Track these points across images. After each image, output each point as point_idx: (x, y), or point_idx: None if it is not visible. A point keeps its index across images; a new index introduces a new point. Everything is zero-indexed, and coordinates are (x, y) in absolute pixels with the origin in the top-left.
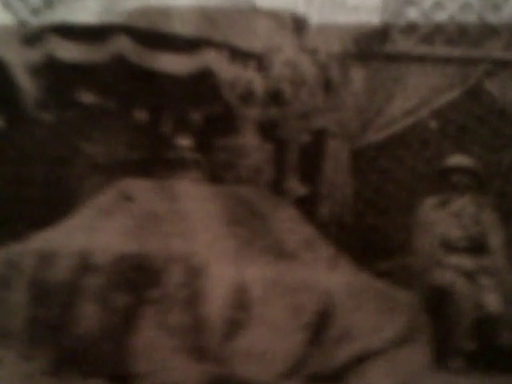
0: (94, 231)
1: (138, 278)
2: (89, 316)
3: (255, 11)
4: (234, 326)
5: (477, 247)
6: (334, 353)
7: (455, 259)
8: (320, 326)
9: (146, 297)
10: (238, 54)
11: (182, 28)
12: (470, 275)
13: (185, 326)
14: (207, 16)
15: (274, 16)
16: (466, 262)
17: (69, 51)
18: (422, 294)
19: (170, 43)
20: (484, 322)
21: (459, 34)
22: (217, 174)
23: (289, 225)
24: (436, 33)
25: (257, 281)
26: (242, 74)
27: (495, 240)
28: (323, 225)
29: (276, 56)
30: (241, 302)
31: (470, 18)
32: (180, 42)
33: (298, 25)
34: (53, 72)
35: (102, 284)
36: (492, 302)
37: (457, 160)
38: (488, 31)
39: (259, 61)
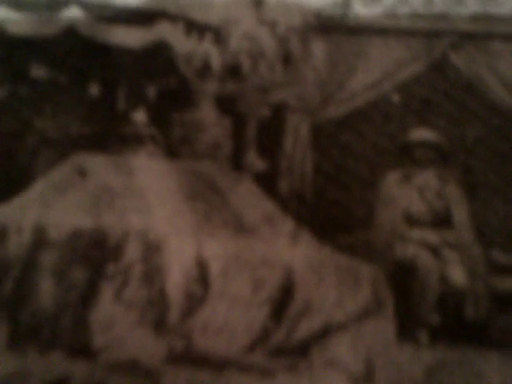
0: (48, 206)
1: (94, 253)
2: (46, 291)
3: None
4: (194, 300)
5: (441, 221)
6: (296, 327)
7: (419, 233)
8: (281, 300)
9: (104, 272)
10: (194, 27)
11: (138, 2)
12: (434, 249)
13: (143, 301)
14: None
15: None
16: (430, 236)
17: (19, 24)
18: (386, 268)
19: (124, 16)
20: (449, 296)
21: (424, 5)
22: (174, 148)
23: (248, 200)
24: (400, 4)
25: (216, 256)
26: (199, 47)
27: (459, 214)
28: (283, 200)
29: (234, 29)
30: (200, 277)
31: None
32: (134, 15)
33: None
34: (3, 46)
35: (58, 259)
36: (456, 275)
37: (420, 134)
38: (454, 2)
39: (216, 33)
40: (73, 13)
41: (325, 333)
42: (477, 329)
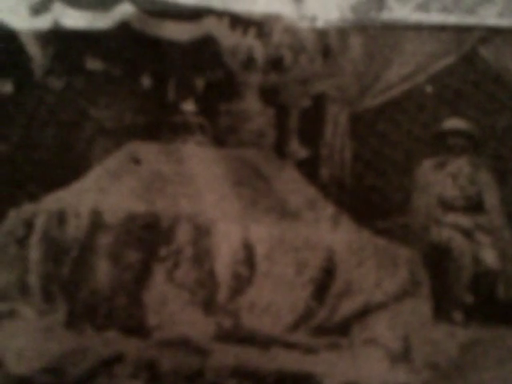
0: (104, 192)
1: (147, 236)
2: (102, 272)
3: None
4: (241, 281)
5: (473, 206)
6: (337, 306)
7: (452, 217)
8: (323, 281)
9: (156, 254)
10: (239, 22)
11: None
12: (467, 232)
13: (193, 282)
14: None
15: None
16: (463, 220)
17: (74, 19)
18: (422, 250)
19: (173, 11)
20: (482, 277)
21: (454, 1)
22: (220, 137)
23: (291, 186)
24: (431, 0)
25: (262, 239)
26: (243, 40)
27: (491, 199)
28: (324, 186)
29: (275, 23)
30: (247, 259)
31: None
32: (182, 10)
33: None
34: (60, 39)
35: (114, 242)
36: (489, 257)
37: (453, 123)
38: None
39: (259, 28)
40: (125, 8)
41: (365, 312)
42: (508, 308)
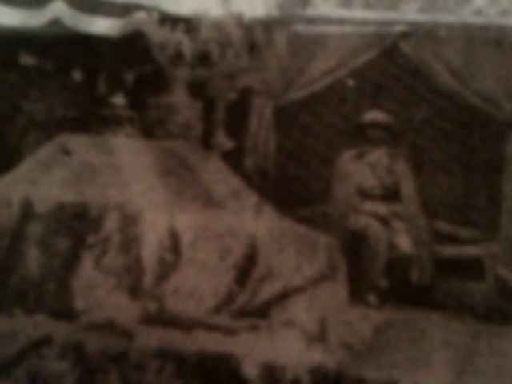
0: (35, 183)
1: (76, 224)
2: (32, 259)
3: None
4: (166, 267)
5: (390, 195)
6: (258, 290)
7: (370, 206)
8: (245, 266)
9: (85, 242)
10: (167, 18)
11: None
12: (383, 220)
13: (120, 268)
14: None
15: None
16: (380, 208)
17: (9, 16)
18: (340, 237)
19: (103, 8)
20: (396, 262)
21: None
22: (149, 129)
23: (216, 176)
24: None
25: (187, 227)
26: (171, 36)
27: (407, 188)
28: (248, 176)
29: (203, 20)
30: (172, 246)
31: None
32: (112, 7)
33: None
34: None
35: (44, 230)
36: (403, 243)
37: (372, 116)
38: None
39: (187, 24)
40: (58, 6)
41: (284, 296)
42: (421, 292)
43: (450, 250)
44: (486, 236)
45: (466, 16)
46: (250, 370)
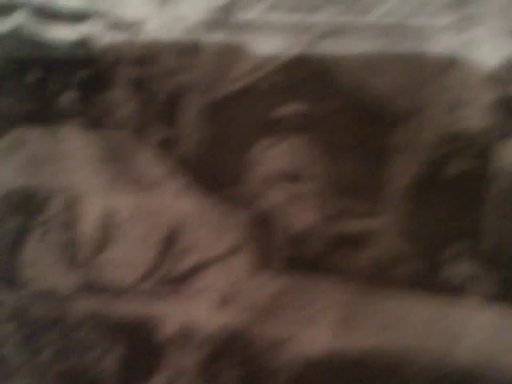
0: None
1: (26, 206)
2: None
3: None
4: (103, 242)
5: (297, 177)
6: (180, 261)
7: (279, 187)
8: (170, 241)
9: (33, 221)
10: (113, 23)
11: (68, 4)
12: (289, 199)
13: (63, 243)
14: None
15: None
16: (288, 189)
17: None
18: (253, 214)
19: (60, 15)
20: (295, 236)
21: (295, 5)
22: (95, 121)
23: (150, 162)
24: (276, 4)
25: (121, 207)
26: (116, 39)
27: (311, 172)
28: (178, 162)
29: (143, 25)
30: (109, 223)
31: None
32: (64, 15)
33: None
34: None
35: None
36: (302, 219)
37: (285, 109)
38: (318, 2)
39: (130, 29)
40: (20, 15)
41: (201, 265)
42: (317, 260)
43: (343, 224)
44: (372, 212)
45: (370, 22)
46: (169, 330)
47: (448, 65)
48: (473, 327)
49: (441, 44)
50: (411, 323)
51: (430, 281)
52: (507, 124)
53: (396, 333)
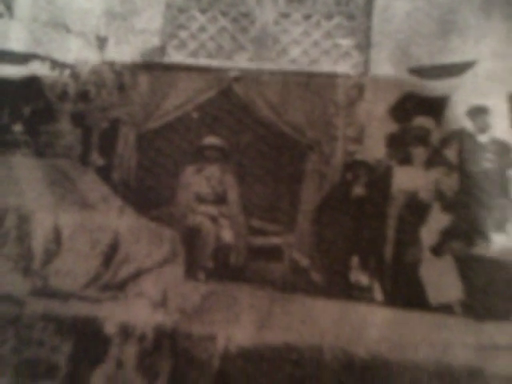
0: None
1: None
2: None
3: (69, 32)
4: (51, 254)
5: (220, 200)
6: (118, 271)
7: (204, 208)
8: (110, 253)
9: None
10: (57, 65)
11: (18, 46)
12: (213, 218)
13: (16, 255)
14: (34, 37)
15: (83, 36)
16: (211, 209)
17: None
18: (181, 231)
19: (8, 57)
20: (220, 249)
21: (217, 49)
22: (40, 150)
23: (91, 185)
24: (199, 49)
25: (67, 224)
26: (59, 79)
27: (232, 195)
28: (115, 186)
29: (84, 66)
30: (55, 238)
31: (225, 37)
32: (15, 56)
33: (101, 43)
34: None
35: None
36: (227, 235)
37: (209, 140)
38: (237, 47)
39: (72, 69)
40: None
41: (137, 274)
42: (237, 270)
43: (259, 240)
44: (286, 230)
45: (283, 64)
46: (110, 328)
47: (356, 98)
48: (372, 323)
49: (348, 82)
50: (319, 322)
51: (336, 286)
52: (399, 154)
53: (306, 330)
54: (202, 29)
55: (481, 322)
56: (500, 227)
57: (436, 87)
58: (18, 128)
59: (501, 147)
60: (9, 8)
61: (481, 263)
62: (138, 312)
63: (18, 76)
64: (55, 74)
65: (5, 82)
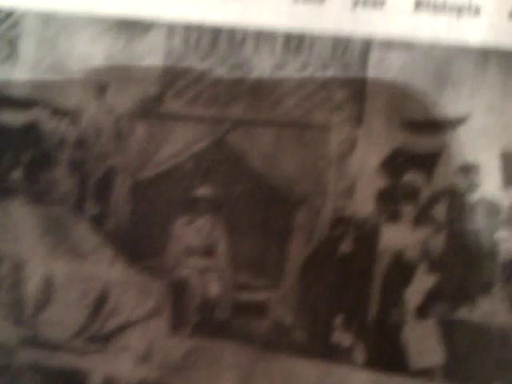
0: None
1: None
2: None
3: (70, 78)
4: (42, 303)
5: (208, 252)
6: (106, 323)
7: (193, 261)
8: (99, 304)
9: None
10: (57, 111)
11: (19, 91)
12: (201, 271)
13: (10, 302)
14: (36, 82)
15: (84, 82)
16: (200, 262)
17: None
18: (169, 284)
19: (10, 103)
20: (206, 303)
21: (212, 99)
22: (39, 197)
23: (84, 234)
24: (196, 98)
25: (59, 273)
26: (59, 126)
27: (221, 248)
28: (107, 235)
29: (84, 113)
30: (47, 287)
31: (221, 87)
32: (15, 102)
33: (101, 90)
34: None
35: None
36: (213, 289)
37: (201, 191)
38: (232, 98)
39: (72, 117)
40: None
41: (124, 327)
42: (222, 326)
43: (245, 296)
44: (272, 285)
45: (277, 116)
46: (95, 381)
47: (348, 151)
48: None
49: (341, 135)
50: (300, 383)
51: (318, 346)
52: (387, 211)
53: None
54: (200, 78)
55: None
56: (486, 290)
57: (428, 142)
58: (17, 175)
59: (490, 207)
60: (14, 51)
61: (464, 327)
62: (123, 366)
63: (18, 122)
64: (55, 120)
65: (5, 128)
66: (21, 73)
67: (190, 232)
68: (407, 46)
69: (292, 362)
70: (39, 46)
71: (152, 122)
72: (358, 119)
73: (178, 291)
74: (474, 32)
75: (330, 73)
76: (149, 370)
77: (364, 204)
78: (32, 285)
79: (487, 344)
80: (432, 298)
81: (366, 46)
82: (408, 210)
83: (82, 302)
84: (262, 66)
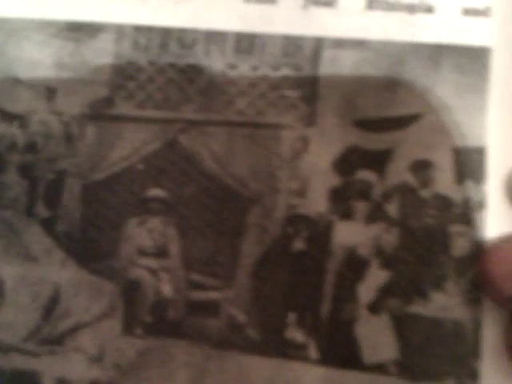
0: None
1: None
2: None
3: (19, 83)
4: None
5: (161, 253)
6: (57, 325)
7: (145, 261)
8: (50, 307)
9: None
10: (6, 116)
11: None
12: (153, 272)
13: None
14: None
15: (33, 87)
16: (152, 262)
17: None
18: (121, 285)
19: None
20: (159, 304)
21: (163, 101)
22: None
23: (35, 237)
24: (147, 100)
25: (10, 276)
26: (8, 130)
27: (173, 248)
28: (58, 238)
29: (33, 117)
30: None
31: (173, 88)
32: None
33: (50, 93)
34: None
35: None
36: (166, 290)
37: (153, 192)
38: (184, 99)
39: (21, 120)
40: None
41: (75, 329)
42: (174, 326)
43: (197, 295)
44: (225, 284)
45: (230, 116)
46: (47, 382)
47: (301, 150)
48: (306, 382)
49: (293, 134)
50: (253, 380)
51: (272, 343)
52: (340, 209)
53: None
54: (150, 80)
55: (416, 383)
56: (439, 285)
57: (380, 140)
58: None
59: (443, 202)
60: None
61: (418, 322)
62: (75, 367)
63: None
64: (4, 125)
65: None
66: None
67: (143, 233)
68: (359, 45)
69: (245, 359)
70: None
71: (102, 125)
72: (311, 118)
73: (131, 292)
74: (427, 29)
75: (281, 72)
76: (101, 370)
77: (317, 202)
78: None
79: (441, 338)
80: (385, 293)
81: (318, 45)
82: (361, 207)
83: (34, 304)
84: (214, 66)
